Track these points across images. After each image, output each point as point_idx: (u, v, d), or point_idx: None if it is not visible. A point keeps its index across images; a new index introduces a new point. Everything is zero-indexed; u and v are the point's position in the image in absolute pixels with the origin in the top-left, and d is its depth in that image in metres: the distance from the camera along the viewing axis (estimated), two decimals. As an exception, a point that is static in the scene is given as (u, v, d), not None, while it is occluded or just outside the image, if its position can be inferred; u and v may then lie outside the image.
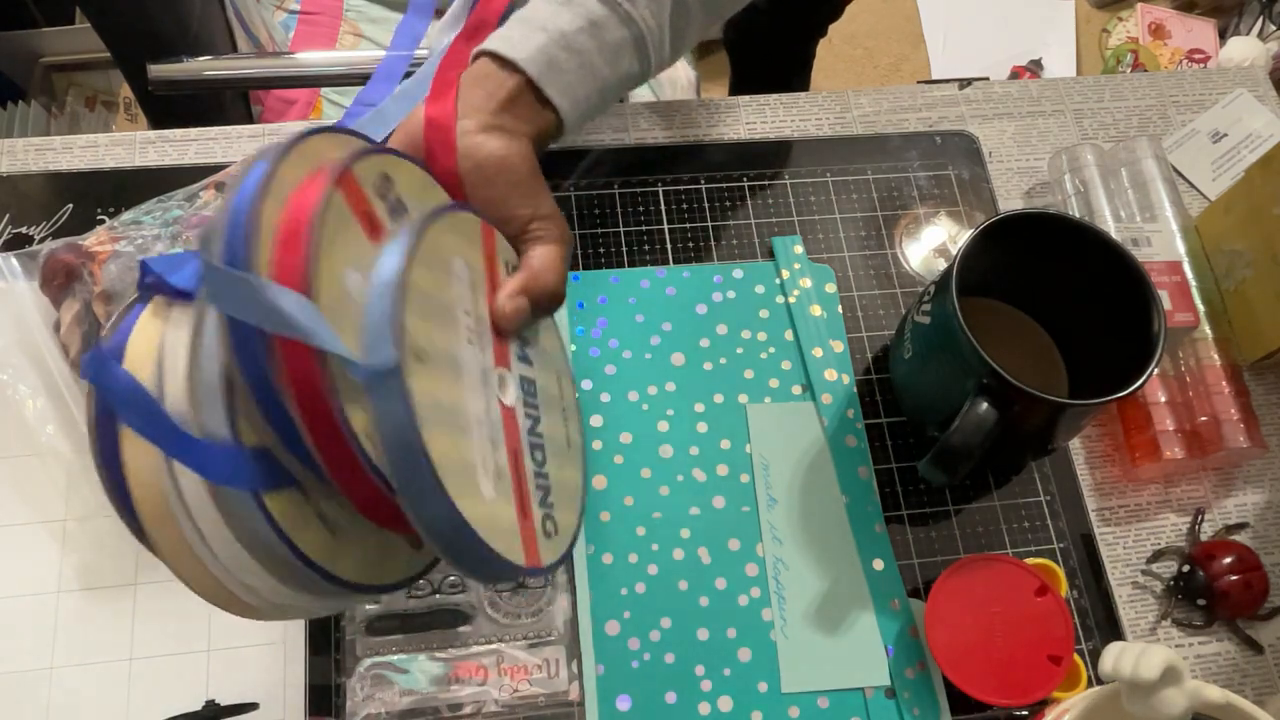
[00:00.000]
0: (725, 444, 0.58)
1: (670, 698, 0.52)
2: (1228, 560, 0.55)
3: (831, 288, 0.63)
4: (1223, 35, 1.72)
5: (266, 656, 0.51)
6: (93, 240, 0.54)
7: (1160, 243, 0.63)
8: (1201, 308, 0.61)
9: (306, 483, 0.32)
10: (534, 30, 0.47)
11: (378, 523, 0.34)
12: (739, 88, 1.26)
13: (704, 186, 0.66)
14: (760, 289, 0.62)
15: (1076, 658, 0.51)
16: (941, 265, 0.65)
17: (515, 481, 0.35)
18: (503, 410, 0.37)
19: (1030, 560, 0.54)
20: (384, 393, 0.29)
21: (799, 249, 0.63)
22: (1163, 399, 0.59)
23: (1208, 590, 0.55)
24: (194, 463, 0.30)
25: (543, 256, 0.43)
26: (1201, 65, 1.67)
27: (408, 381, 0.30)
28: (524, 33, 0.47)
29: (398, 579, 0.37)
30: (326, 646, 0.52)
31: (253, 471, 0.31)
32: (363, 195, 0.33)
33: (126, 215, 0.55)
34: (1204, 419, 0.58)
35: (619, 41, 0.49)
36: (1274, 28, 1.66)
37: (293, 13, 1.02)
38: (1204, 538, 0.58)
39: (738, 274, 0.63)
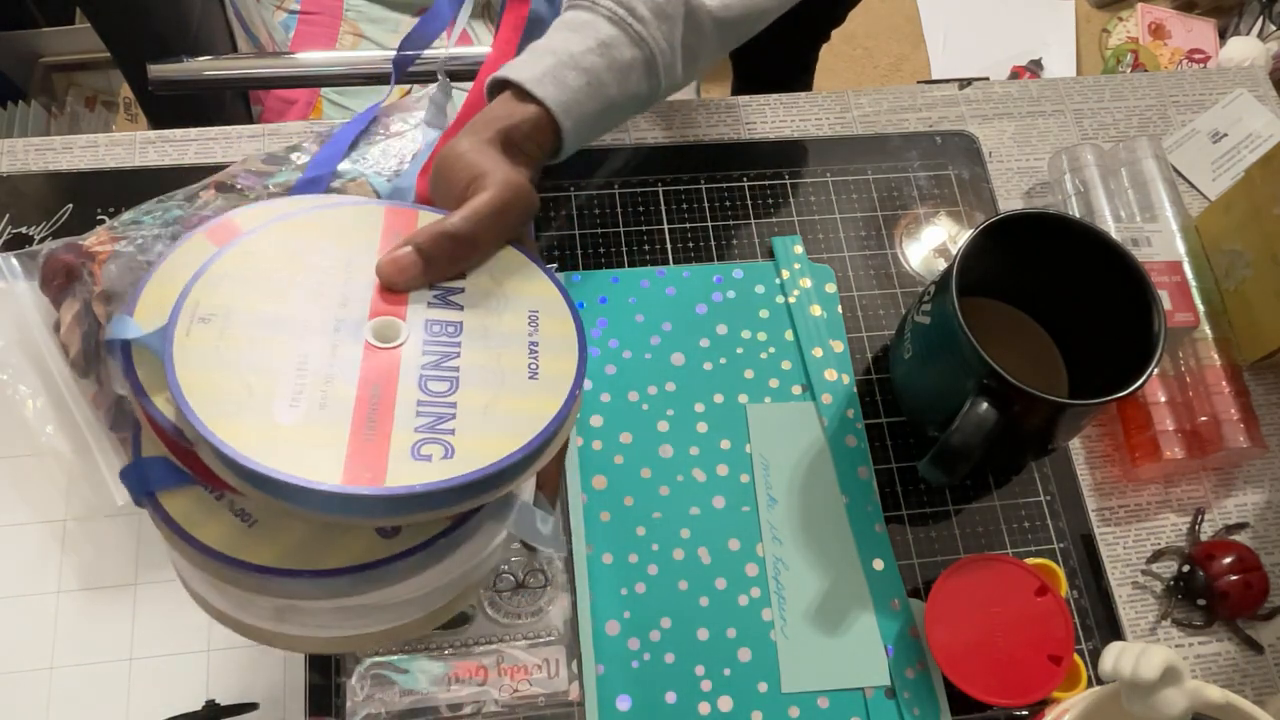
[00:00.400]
0: (725, 444, 0.58)
1: (670, 698, 0.52)
2: (1228, 560, 0.55)
3: (831, 288, 0.63)
4: (1223, 35, 1.72)
5: (266, 656, 0.51)
6: (93, 240, 0.54)
7: (1160, 243, 0.63)
8: (1201, 308, 0.61)
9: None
10: (543, 55, 0.48)
11: (220, 487, 0.35)
12: (740, 91, 1.26)
13: (704, 186, 0.66)
14: (760, 289, 0.62)
15: (1076, 658, 0.51)
16: (941, 265, 0.65)
17: (363, 408, 0.35)
18: (368, 349, 0.37)
19: (1030, 560, 0.54)
20: (157, 350, 0.35)
21: (799, 249, 0.63)
22: (1163, 399, 0.59)
23: (1208, 590, 0.55)
24: (126, 482, 0.36)
25: (461, 210, 0.42)
26: (1201, 65, 1.67)
27: (176, 338, 0.35)
28: (533, 58, 0.48)
29: (351, 562, 0.36)
30: (326, 646, 0.52)
31: (146, 478, 0.35)
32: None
33: (126, 215, 0.55)
34: (1204, 419, 0.58)
35: (629, 61, 0.49)
36: (1274, 28, 1.66)
37: (293, 13, 1.02)
38: (1204, 538, 0.58)
39: (738, 274, 0.63)
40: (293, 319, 0.37)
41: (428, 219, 0.42)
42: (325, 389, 0.35)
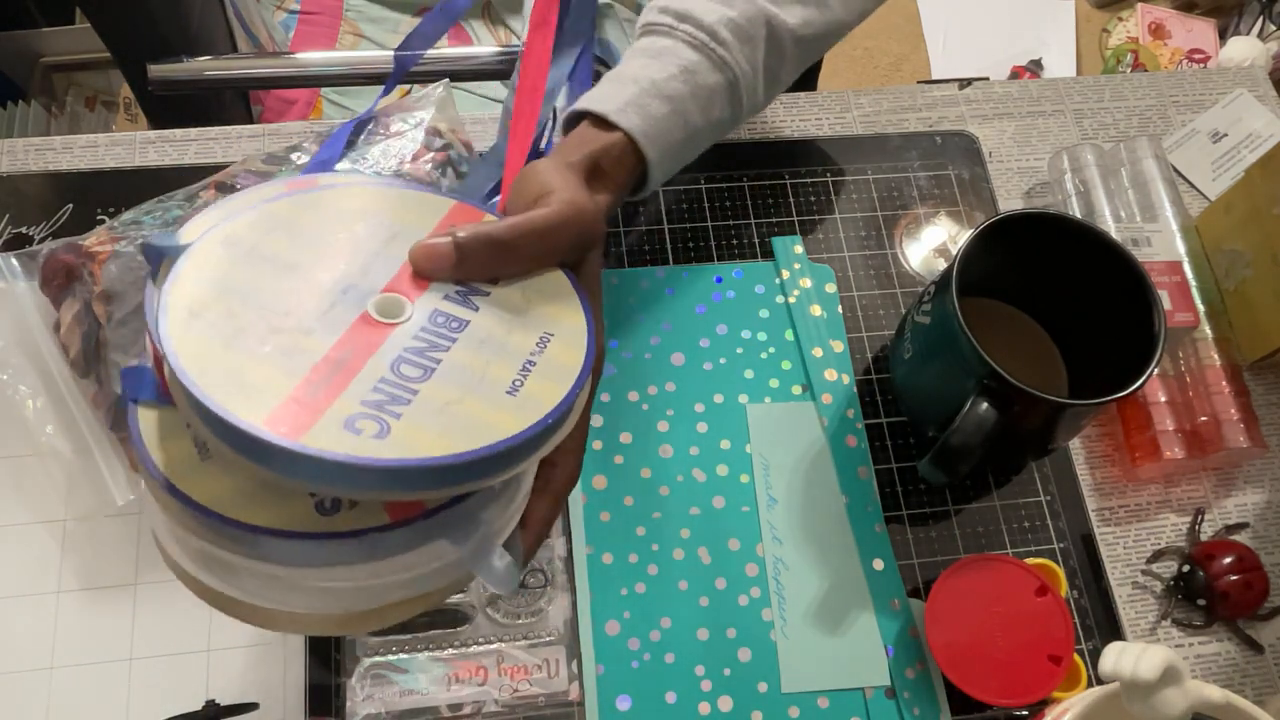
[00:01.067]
0: (725, 444, 0.58)
1: (670, 698, 0.52)
2: (1228, 560, 0.55)
3: (831, 288, 0.63)
4: (1223, 35, 1.72)
5: (266, 656, 0.51)
6: (93, 240, 0.54)
7: (1160, 243, 0.63)
8: (1201, 308, 0.61)
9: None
10: (624, 84, 0.47)
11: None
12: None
13: (704, 186, 0.66)
14: (760, 289, 0.62)
15: (1076, 658, 0.51)
16: (941, 265, 0.65)
17: (320, 368, 0.34)
18: (362, 318, 0.37)
19: (1030, 560, 0.54)
20: (173, 255, 0.36)
21: (799, 249, 0.63)
22: (1163, 399, 0.59)
23: (1208, 590, 0.55)
24: (124, 381, 0.36)
25: (511, 219, 0.41)
26: (1201, 65, 1.67)
27: (193, 252, 0.36)
28: (613, 88, 0.47)
29: (274, 525, 0.35)
30: (326, 646, 0.52)
31: (138, 384, 0.35)
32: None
33: (126, 215, 0.55)
34: (1204, 419, 0.58)
35: (712, 87, 0.48)
36: (1274, 28, 1.66)
37: (293, 13, 1.02)
38: (1204, 538, 0.58)
39: (738, 274, 0.63)
40: (308, 271, 0.37)
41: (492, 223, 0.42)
42: (299, 340, 0.35)
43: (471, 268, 0.39)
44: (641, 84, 0.47)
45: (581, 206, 0.41)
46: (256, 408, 0.32)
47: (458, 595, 0.53)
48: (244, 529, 0.34)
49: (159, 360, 0.35)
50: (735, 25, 0.48)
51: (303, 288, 0.37)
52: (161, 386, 0.35)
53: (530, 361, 0.38)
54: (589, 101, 0.47)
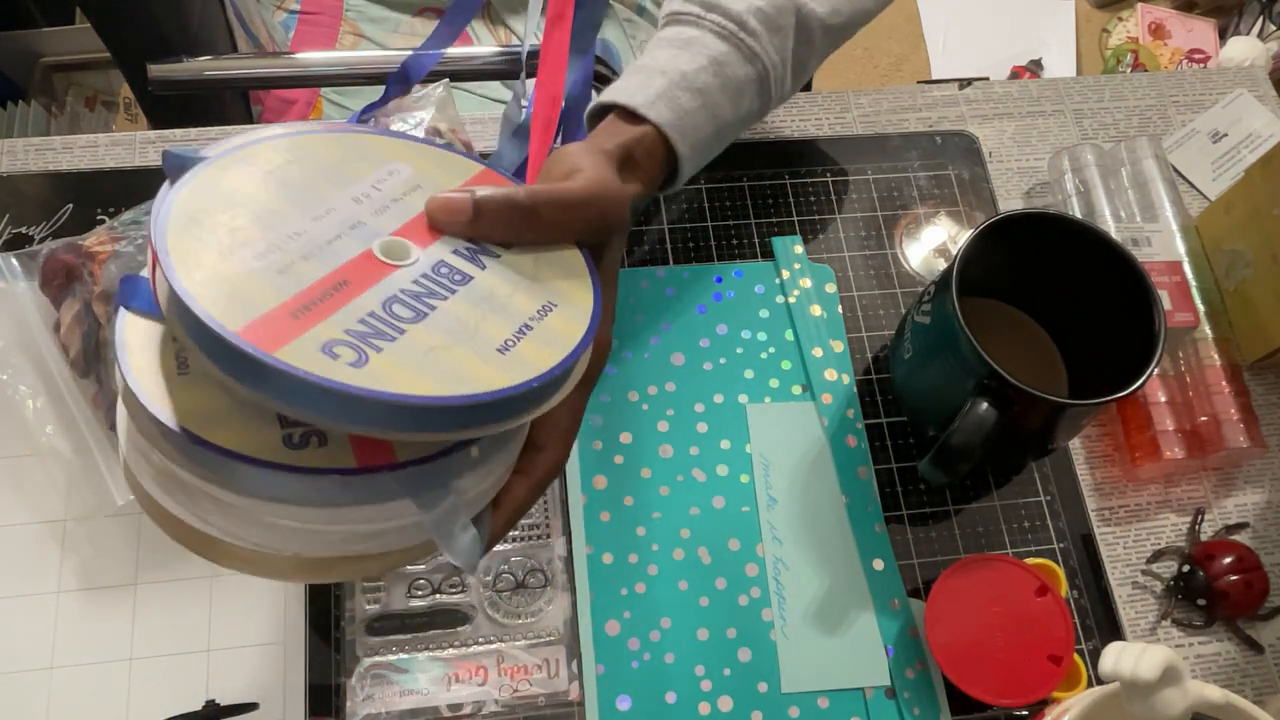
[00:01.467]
0: (725, 444, 0.58)
1: (670, 698, 0.52)
2: (1228, 560, 0.55)
3: (831, 288, 0.63)
4: (1223, 35, 1.72)
5: (266, 656, 0.51)
6: (93, 240, 0.54)
7: (1160, 243, 0.63)
8: (1201, 308, 0.61)
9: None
10: (652, 75, 0.46)
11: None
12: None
13: (704, 186, 0.66)
14: (760, 289, 0.62)
15: (1076, 658, 0.51)
16: (941, 265, 0.65)
17: (312, 291, 0.34)
18: (365, 255, 0.36)
19: (1030, 560, 0.54)
20: (190, 162, 0.36)
21: (799, 249, 0.63)
22: (1163, 399, 0.59)
23: (1208, 590, 0.55)
24: (122, 284, 0.35)
25: (536, 186, 0.40)
26: (1201, 65, 1.67)
27: (214, 162, 0.36)
28: (640, 79, 0.46)
29: (236, 448, 0.33)
30: (326, 646, 0.52)
31: (131, 291, 0.35)
32: None
33: (126, 215, 0.55)
34: (1204, 419, 0.58)
35: (742, 80, 0.47)
36: (1274, 28, 1.66)
37: (293, 13, 1.02)
38: (1204, 538, 0.58)
39: (738, 274, 0.63)
40: (321, 201, 0.37)
41: None
42: (297, 263, 0.34)
43: (487, 227, 0.39)
44: (670, 76, 0.46)
45: (607, 187, 0.41)
46: (236, 316, 0.31)
47: (457, 595, 0.53)
48: (206, 448, 0.33)
49: (156, 267, 0.34)
50: (764, 15, 0.47)
51: (311, 216, 0.36)
52: (156, 298, 0.34)
53: (528, 325, 0.37)
54: (617, 94, 0.46)
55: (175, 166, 0.36)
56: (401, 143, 0.42)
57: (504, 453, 0.39)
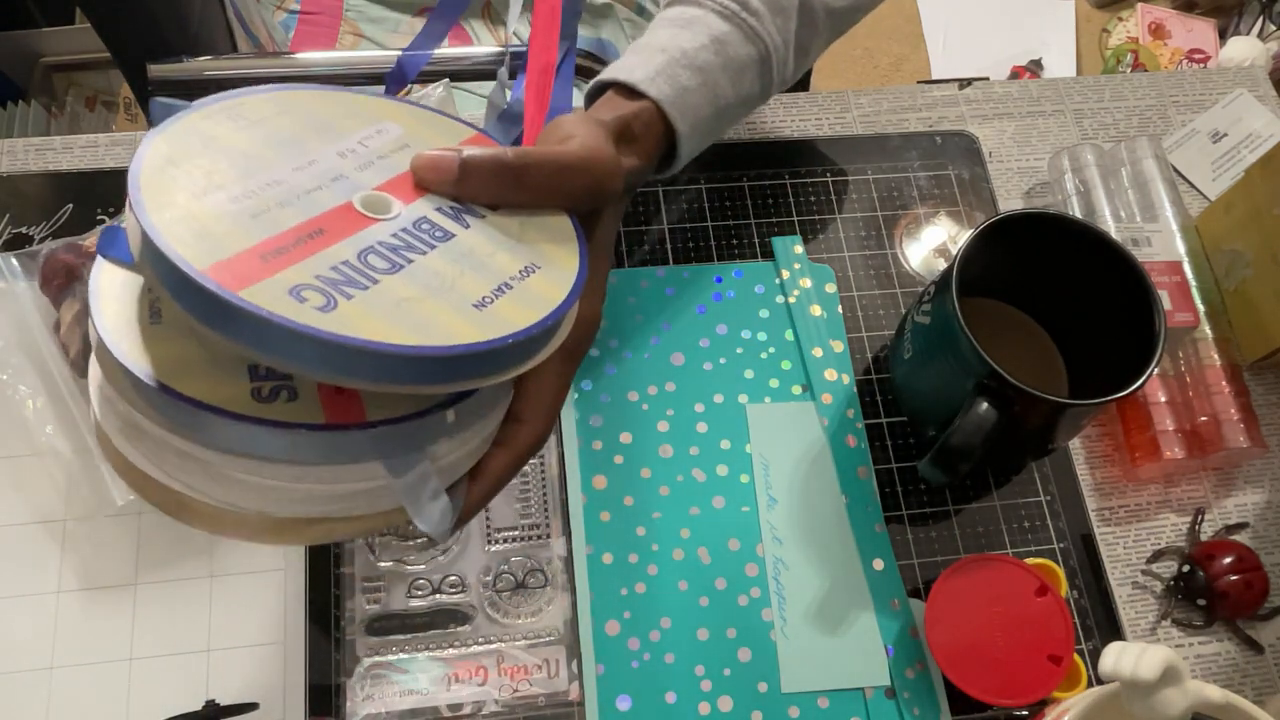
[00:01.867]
0: (725, 444, 0.58)
1: (670, 698, 0.52)
2: (1228, 560, 0.55)
3: (831, 288, 0.63)
4: (1223, 35, 1.72)
5: (266, 656, 0.51)
6: (93, 240, 0.54)
7: (1160, 243, 0.63)
8: (1201, 308, 0.61)
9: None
10: (652, 53, 0.45)
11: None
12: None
13: (704, 186, 0.66)
14: (760, 289, 0.62)
15: (1076, 658, 0.51)
16: (941, 265, 0.65)
17: (285, 237, 0.33)
18: (344, 207, 0.35)
19: (1030, 560, 0.54)
20: (176, 111, 0.35)
21: (799, 249, 0.63)
22: (1163, 399, 0.59)
23: (1208, 590, 0.55)
24: (98, 241, 0.34)
25: (526, 147, 0.39)
26: (1201, 65, 1.67)
27: (197, 109, 0.36)
28: (640, 58, 0.45)
29: (203, 398, 0.32)
30: (326, 646, 0.52)
31: (110, 242, 0.33)
32: None
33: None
34: (1204, 419, 0.58)
35: (744, 60, 0.46)
36: (1274, 28, 1.66)
37: (293, 13, 1.02)
38: (1204, 538, 0.58)
39: (738, 274, 0.63)
40: (304, 153, 0.36)
41: None
42: (273, 209, 0.33)
43: (473, 187, 0.38)
44: (671, 53, 0.45)
45: (600, 155, 0.40)
46: (203, 255, 0.30)
47: (457, 595, 0.53)
48: (172, 396, 0.32)
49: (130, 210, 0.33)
50: None
51: (292, 166, 0.35)
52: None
53: (508, 284, 0.36)
54: (616, 71, 0.45)
55: (161, 115, 0.36)
56: (393, 103, 0.42)
57: (482, 422, 0.38)
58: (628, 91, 0.45)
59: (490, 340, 0.33)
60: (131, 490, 0.36)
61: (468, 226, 0.37)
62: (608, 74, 0.45)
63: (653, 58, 0.45)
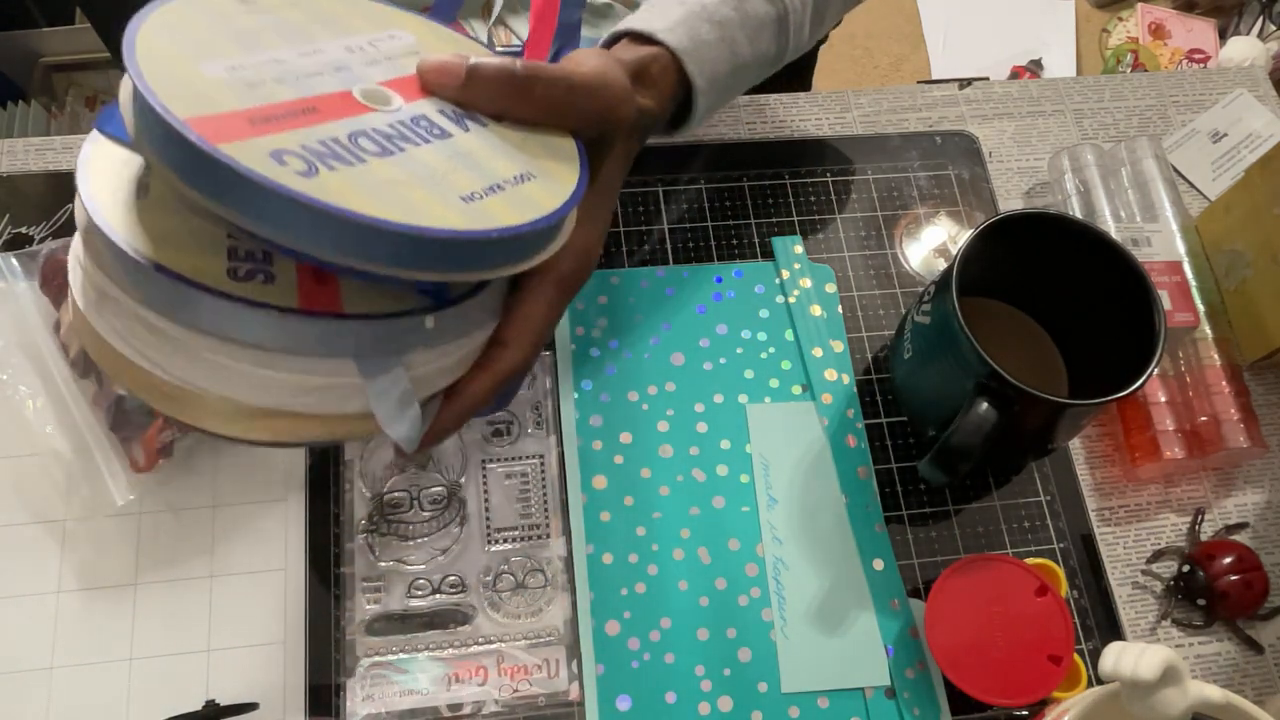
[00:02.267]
0: (725, 444, 0.58)
1: (670, 698, 0.52)
2: (1228, 560, 0.55)
3: (831, 288, 0.63)
4: (1223, 35, 1.72)
5: (266, 656, 0.51)
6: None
7: (1160, 243, 0.63)
8: (1201, 308, 0.61)
9: None
10: (670, 6, 0.44)
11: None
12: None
13: (704, 186, 0.66)
14: (760, 289, 0.62)
15: (1076, 658, 0.51)
16: (941, 265, 0.65)
17: (276, 108, 0.32)
18: (343, 94, 0.35)
19: (1030, 560, 0.54)
20: None
21: (799, 249, 0.63)
22: (1163, 399, 0.59)
23: (1208, 590, 0.55)
24: (97, 119, 0.34)
25: (537, 63, 0.39)
26: (1201, 65, 1.67)
27: None
28: (660, 10, 0.44)
29: (179, 269, 0.32)
30: (326, 646, 0.52)
31: (107, 119, 0.33)
32: None
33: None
34: (1204, 419, 0.58)
35: (762, 18, 0.46)
36: (1274, 28, 1.66)
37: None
38: (1204, 538, 0.58)
39: (738, 274, 0.63)
40: (311, 42, 0.35)
41: None
42: (269, 83, 0.33)
43: (478, 93, 0.37)
44: (689, 6, 0.44)
45: (612, 80, 0.39)
46: (189, 107, 0.29)
47: (457, 595, 0.53)
48: (145, 264, 0.31)
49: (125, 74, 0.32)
50: None
51: (297, 51, 0.35)
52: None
53: (500, 185, 0.35)
54: (633, 21, 0.44)
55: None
56: (411, 15, 0.41)
57: (464, 339, 0.37)
58: (645, 40, 0.44)
59: (471, 230, 0.32)
60: (105, 371, 0.35)
61: (467, 130, 0.37)
62: (625, 24, 0.45)
63: (671, 10, 0.44)
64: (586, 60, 0.40)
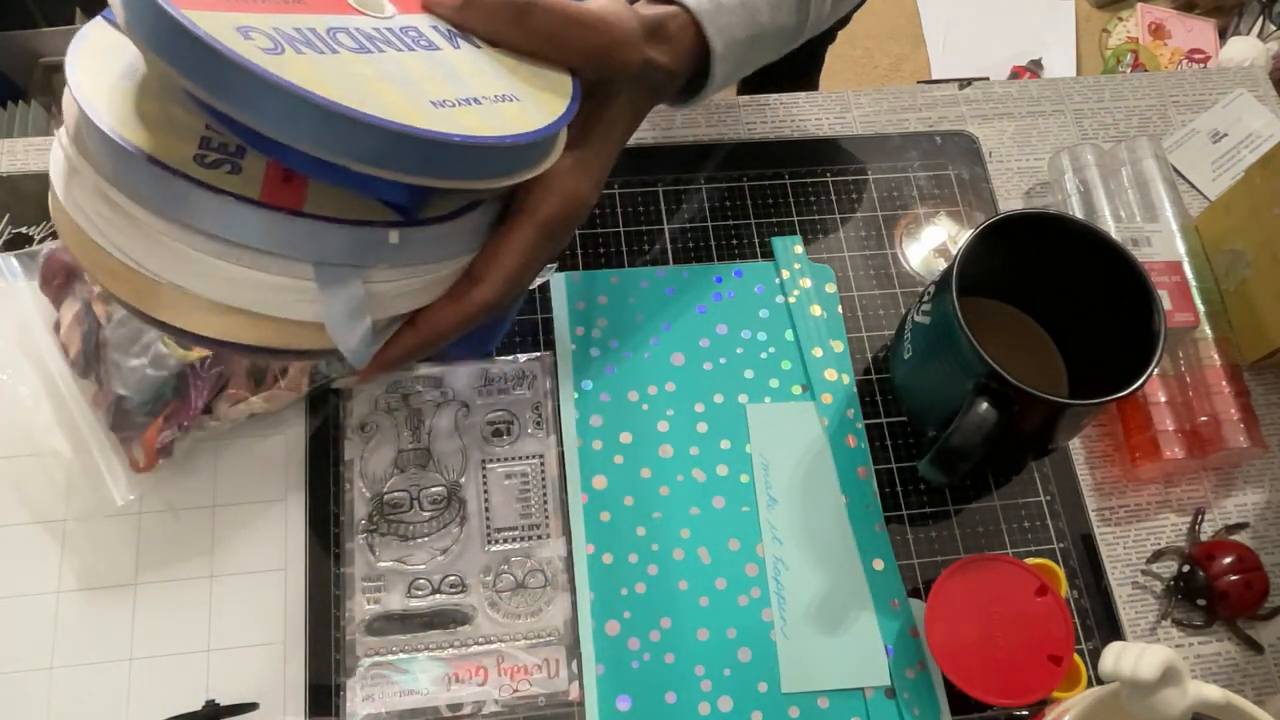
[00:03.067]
0: (725, 444, 0.58)
1: (670, 698, 0.52)
2: (1228, 560, 0.55)
3: (831, 288, 0.63)
4: (1223, 35, 1.72)
5: (266, 656, 0.51)
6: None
7: (1160, 243, 0.63)
8: (1201, 308, 0.61)
9: None
10: None
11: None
12: (744, 92, 1.26)
13: (704, 186, 0.66)
14: (760, 289, 0.62)
15: (1076, 658, 0.51)
16: (941, 265, 0.65)
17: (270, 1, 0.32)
18: None
19: (1030, 560, 0.54)
20: None
21: (799, 249, 0.63)
22: (1163, 399, 0.59)
23: (1208, 590, 0.55)
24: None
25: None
26: (1201, 65, 1.67)
27: None
28: None
29: (161, 156, 0.32)
30: (326, 646, 0.52)
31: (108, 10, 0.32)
32: None
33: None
34: (1204, 419, 0.58)
35: None
36: (1274, 28, 1.66)
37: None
38: (1204, 538, 0.58)
39: (738, 274, 0.63)
40: None
41: None
42: None
43: (476, 17, 0.37)
44: None
45: (614, 20, 0.38)
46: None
47: (457, 595, 0.53)
48: (110, 135, 0.31)
49: None
50: None
51: None
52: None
53: (476, 100, 0.34)
54: None
55: None
56: None
57: (433, 265, 0.37)
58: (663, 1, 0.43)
59: (434, 130, 0.31)
60: (77, 260, 0.35)
61: (458, 48, 0.36)
62: None
63: None
64: (597, 4, 0.39)
